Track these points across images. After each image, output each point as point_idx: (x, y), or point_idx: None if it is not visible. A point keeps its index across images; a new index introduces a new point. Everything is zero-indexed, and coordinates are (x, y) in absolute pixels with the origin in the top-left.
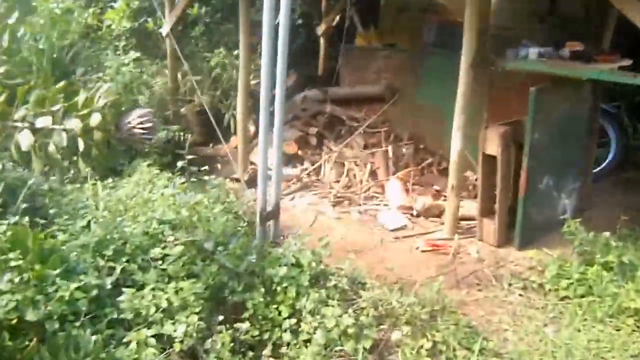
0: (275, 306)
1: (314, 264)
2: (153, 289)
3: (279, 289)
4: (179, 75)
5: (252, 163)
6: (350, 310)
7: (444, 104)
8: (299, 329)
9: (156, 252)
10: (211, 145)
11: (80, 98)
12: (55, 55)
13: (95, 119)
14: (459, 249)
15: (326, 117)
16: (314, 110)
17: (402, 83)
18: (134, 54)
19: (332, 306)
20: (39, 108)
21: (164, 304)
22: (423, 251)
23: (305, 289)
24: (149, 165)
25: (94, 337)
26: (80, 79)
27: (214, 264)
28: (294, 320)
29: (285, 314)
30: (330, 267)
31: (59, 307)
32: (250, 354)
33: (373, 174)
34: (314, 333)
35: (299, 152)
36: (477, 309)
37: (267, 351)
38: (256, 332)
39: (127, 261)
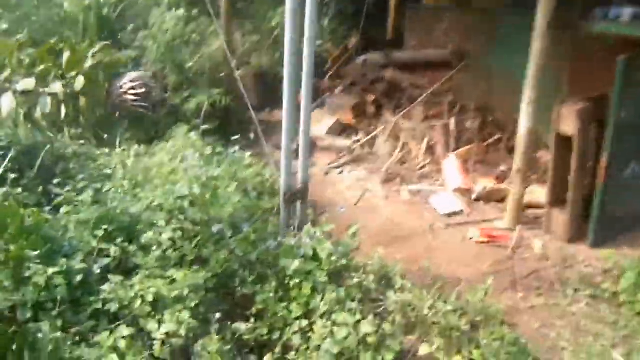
0: (286, 303)
1: (333, 258)
2: (147, 277)
3: (292, 283)
4: (237, 36)
5: None
6: (370, 317)
7: (520, 72)
8: (311, 333)
9: (162, 235)
10: (267, 110)
11: (65, 58)
12: (103, 12)
13: (79, 83)
14: (521, 242)
15: (386, 83)
16: (374, 76)
17: (472, 47)
18: (181, 11)
19: (349, 310)
20: (27, 69)
21: (150, 297)
22: (478, 242)
23: (323, 285)
24: (188, 131)
25: (60, 335)
26: (130, 37)
27: (225, 250)
28: (305, 322)
29: (296, 313)
30: (356, 261)
31: (34, 294)
32: (252, 358)
33: (431, 149)
34: (326, 339)
35: (354, 122)
36: (532, 319)
37: (268, 358)
38: (265, 331)
39: (131, 241)
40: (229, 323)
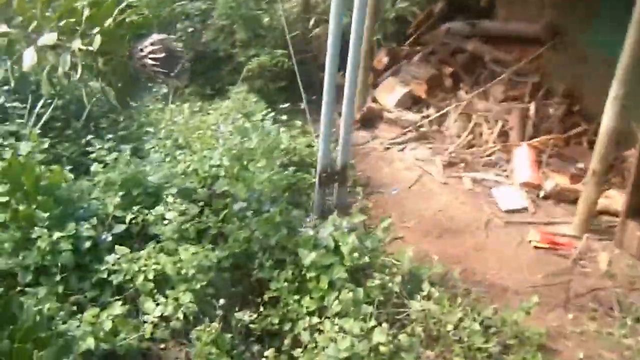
0: (299, 296)
1: (356, 254)
2: (159, 250)
3: (309, 275)
4: None
5: (374, 100)
6: (385, 324)
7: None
8: (321, 331)
9: (181, 206)
10: (341, 73)
11: (85, 13)
12: None
13: (97, 42)
14: (585, 253)
15: (467, 56)
16: (454, 46)
17: (568, 23)
18: None
19: (362, 316)
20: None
21: (151, 275)
22: (536, 247)
23: (342, 282)
24: (247, 92)
25: (51, 306)
26: None
27: (246, 229)
28: (317, 319)
29: (309, 308)
30: (382, 259)
31: (37, 258)
32: (255, 348)
33: (504, 134)
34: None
35: (427, 95)
36: (577, 347)
37: (270, 352)
38: (276, 320)
39: (152, 206)
40: (237, 309)
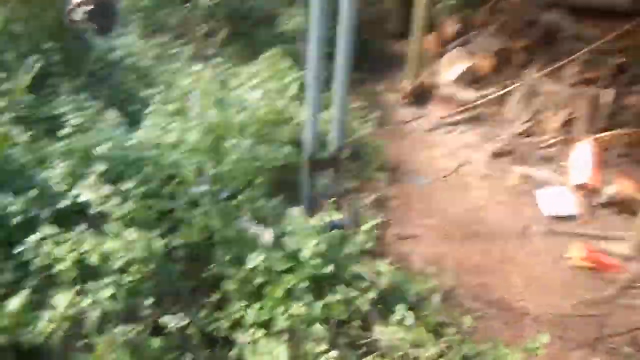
0: (248, 302)
1: (318, 260)
2: (91, 234)
3: (256, 281)
4: None
5: (433, 73)
6: (335, 352)
7: None
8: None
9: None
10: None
11: None
12: None
13: None
14: (638, 282)
15: (544, 28)
16: (528, 17)
17: None
18: None
19: (314, 339)
20: None
21: (68, 263)
22: (577, 265)
23: (300, 293)
24: (282, 56)
25: None
26: None
27: (204, 217)
28: (261, 333)
29: (254, 319)
30: (352, 269)
31: None
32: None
33: (569, 124)
34: None
35: (492, 71)
36: None
37: None
38: (226, 325)
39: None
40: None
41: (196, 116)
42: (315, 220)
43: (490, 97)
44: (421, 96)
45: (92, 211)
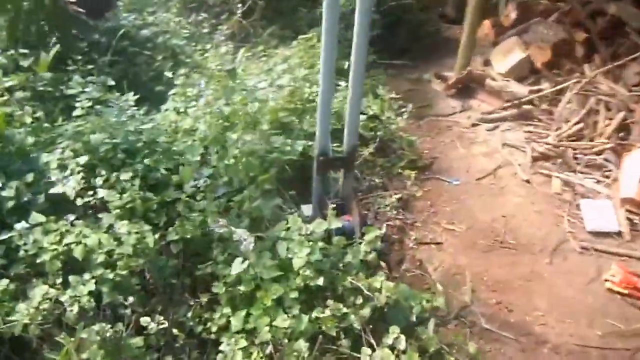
0: (237, 308)
1: (308, 272)
2: (82, 225)
3: (242, 290)
4: None
5: (486, 63)
6: None
7: None
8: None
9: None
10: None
11: None
12: None
13: None
14: None
15: (609, 19)
16: (592, 6)
17: None
18: None
19: (296, 355)
20: None
21: (50, 254)
22: (612, 289)
23: (291, 303)
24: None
25: None
26: None
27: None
28: (244, 342)
29: (235, 327)
30: (346, 283)
31: None
32: None
33: (624, 128)
34: None
35: (549, 65)
36: None
37: None
38: (214, 328)
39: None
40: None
41: (204, 105)
42: (315, 225)
43: (542, 93)
44: (468, 87)
45: (79, 202)
